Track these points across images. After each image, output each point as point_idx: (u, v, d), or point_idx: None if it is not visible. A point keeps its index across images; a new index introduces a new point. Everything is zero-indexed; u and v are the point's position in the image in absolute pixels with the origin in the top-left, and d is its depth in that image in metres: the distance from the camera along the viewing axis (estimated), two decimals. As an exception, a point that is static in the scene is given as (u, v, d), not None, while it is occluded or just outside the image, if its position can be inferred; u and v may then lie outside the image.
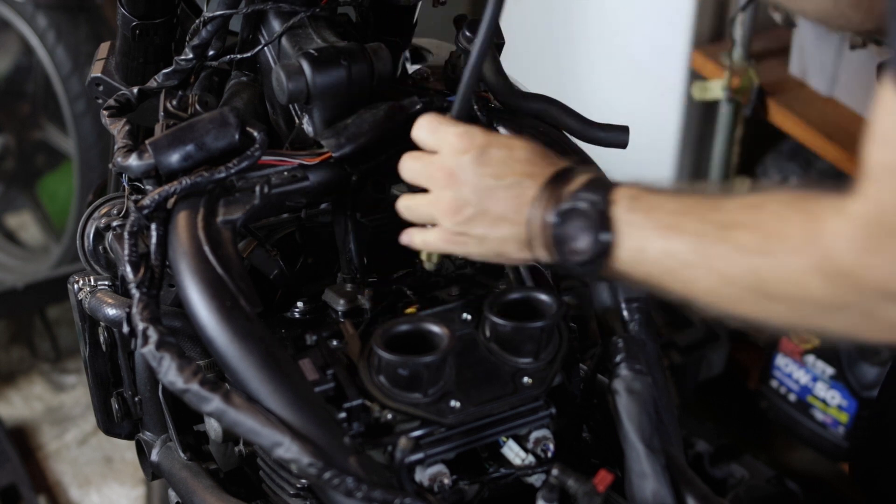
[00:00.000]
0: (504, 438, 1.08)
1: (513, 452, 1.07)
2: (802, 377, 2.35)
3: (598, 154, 1.25)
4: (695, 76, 2.60)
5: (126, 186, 1.16)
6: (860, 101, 2.28)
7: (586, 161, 1.19)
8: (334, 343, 1.10)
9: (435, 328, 1.06)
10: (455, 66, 1.28)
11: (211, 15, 1.24)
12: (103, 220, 1.23)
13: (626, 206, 0.96)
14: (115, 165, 1.14)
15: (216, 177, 1.10)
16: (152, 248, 1.08)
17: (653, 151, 2.77)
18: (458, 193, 1.03)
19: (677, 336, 2.56)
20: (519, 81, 1.28)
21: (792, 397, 2.39)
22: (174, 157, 1.11)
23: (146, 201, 1.09)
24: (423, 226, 1.08)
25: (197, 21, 1.26)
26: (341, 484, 0.95)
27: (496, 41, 1.27)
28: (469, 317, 1.13)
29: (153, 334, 1.00)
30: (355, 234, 1.20)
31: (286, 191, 1.14)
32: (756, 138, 2.67)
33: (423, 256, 1.11)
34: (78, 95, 2.71)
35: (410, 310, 1.15)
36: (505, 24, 1.31)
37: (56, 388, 2.77)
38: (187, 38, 1.26)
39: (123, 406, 1.34)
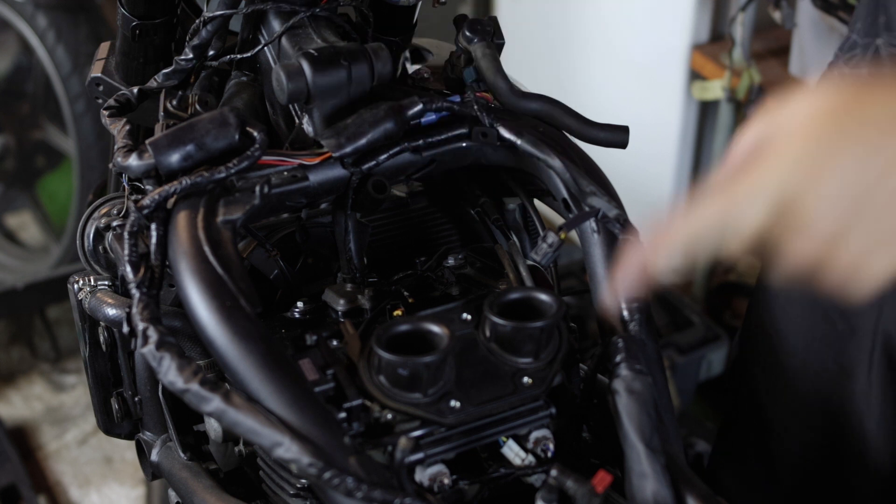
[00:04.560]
0: (504, 438, 1.08)
1: (513, 452, 1.07)
2: (802, 377, 2.35)
3: (599, 154, 1.25)
4: (695, 76, 2.60)
5: (126, 186, 1.16)
6: (860, 101, 2.28)
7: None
8: (334, 343, 1.10)
9: (435, 328, 1.06)
10: (455, 66, 1.28)
11: (211, 15, 1.24)
12: (103, 220, 1.23)
13: None
14: (115, 165, 1.14)
15: (216, 177, 1.10)
16: (152, 248, 1.08)
17: (653, 151, 2.77)
18: None
19: (677, 336, 2.56)
20: (519, 81, 1.28)
21: (792, 397, 2.39)
22: (174, 157, 1.11)
23: (146, 201, 1.09)
24: None
25: (197, 21, 1.26)
26: (341, 484, 0.95)
27: (496, 41, 1.27)
28: (469, 317, 1.13)
29: (153, 334, 1.00)
30: (355, 234, 1.20)
31: (286, 191, 1.14)
32: (756, 138, 2.67)
33: None
34: (78, 95, 2.72)
35: (398, 312, 1.15)
36: (505, 24, 1.31)
37: (56, 388, 2.77)
38: (187, 38, 1.26)
39: (123, 406, 1.34)
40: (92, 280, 1.29)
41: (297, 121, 1.23)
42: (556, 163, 1.17)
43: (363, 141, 1.15)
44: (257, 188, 1.10)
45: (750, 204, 0.80)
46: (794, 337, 1.34)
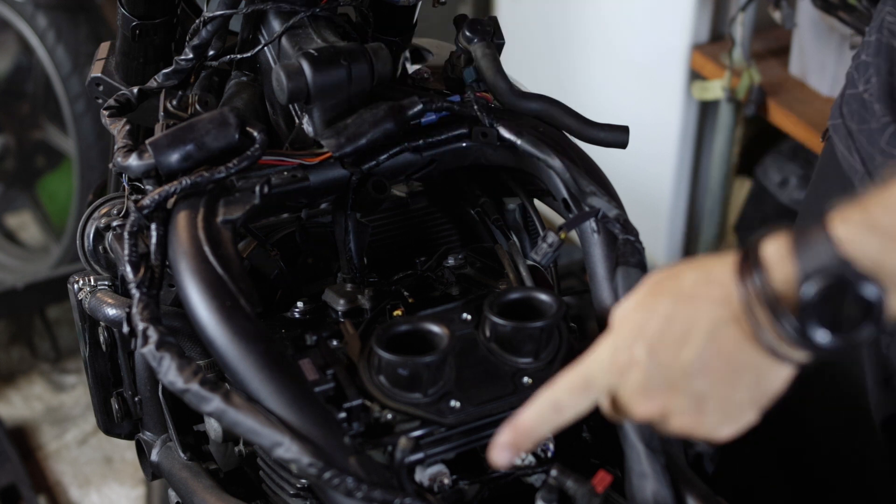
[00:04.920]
0: (504, 438, 1.08)
1: (513, 452, 1.07)
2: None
3: (599, 154, 1.25)
4: (695, 76, 2.60)
5: (126, 186, 1.16)
6: (860, 101, 2.28)
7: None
8: (334, 343, 1.10)
9: (435, 328, 1.06)
10: (455, 66, 1.28)
11: (211, 15, 1.24)
12: (103, 220, 1.23)
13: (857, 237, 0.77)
14: (115, 165, 1.14)
15: (216, 177, 1.10)
16: (152, 248, 1.08)
17: (653, 151, 2.77)
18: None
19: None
20: (519, 81, 1.28)
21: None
22: (174, 157, 1.11)
23: (146, 201, 1.09)
24: None
25: (197, 21, 1.26)
26: (341, 484, 0.95)
27: (496, 41, 1.27)
28: (469, 317, 1.13)
29: (153, 334, 1.00)
30: (355, 234, 1.20)
31: (286, 191, 1.14)
32: (756, 138, 2.67)
33: None
34: (78, 95, 2.72)
35: (397, 312, 1.15)
36: (505, 23, 1.31)
37: (56, 388, 2.77)
38: (187, 38, 1.26)
39: (123, 406, 1.34)
40: (92, 280, 1.29)
41: (297, 121, 1.23)
42: (556, 163, 1.17)
43: (363, 141, 1.15)
44: (257, 188, 1.10)
45: (574, 402, 0.89)
46: None
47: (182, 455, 1.24)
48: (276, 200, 1.14)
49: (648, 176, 2.80)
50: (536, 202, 1.30)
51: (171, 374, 0.99)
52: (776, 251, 0.79)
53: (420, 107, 1.18)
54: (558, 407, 0.89)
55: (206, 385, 0.98)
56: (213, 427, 1.16)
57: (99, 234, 1.24)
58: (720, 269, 0.83)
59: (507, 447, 0.91)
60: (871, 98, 1.22)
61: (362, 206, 1.20)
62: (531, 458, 1.07)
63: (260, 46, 1.25)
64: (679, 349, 0.83)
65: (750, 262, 0.80)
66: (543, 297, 1.10)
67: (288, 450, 0.96)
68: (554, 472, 1.00)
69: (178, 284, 1.05)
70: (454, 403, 1.04)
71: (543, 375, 1.08)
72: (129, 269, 1.06)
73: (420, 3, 1.31)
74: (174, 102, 1.26)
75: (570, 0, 2.87)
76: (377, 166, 1.18)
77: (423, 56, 1.42)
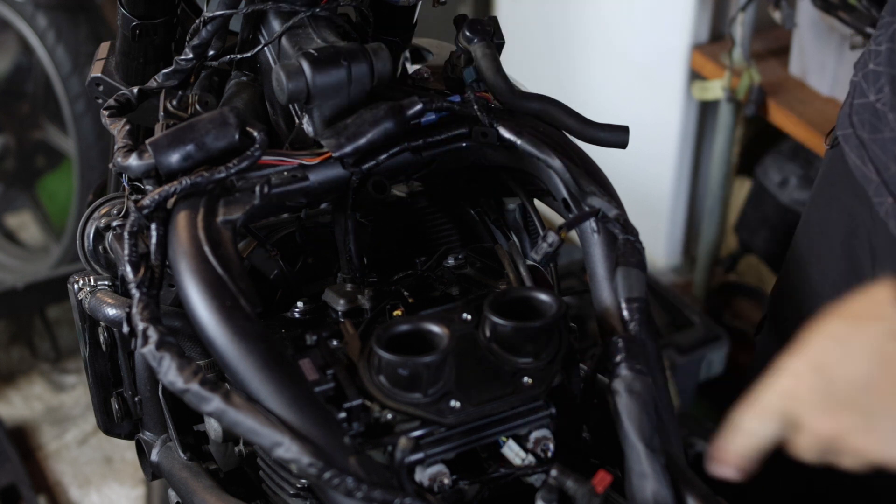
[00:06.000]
0: (504, 438, 1.08)
1: (513, 452, 1.07)
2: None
3: (599, 154, 1.25)
4: (695, 76, 2.60)
5: (126, 186, 1.16)
6: (860, 101, 2.28)
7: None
8: (334, 343, 1.10)
9: (435, 328, 1.06)
10: (455, 66, 1.28)
11: (211, 15, 1.24)
12: (103, 220, 1.24)
13: None
14: (115, 165, 1.14)
15: (216, 177, 1.10)
16: (152, 248, 1.08)
17: (653, 151, 2.77)
18: None
19: (677, 336, 2.56)
20: (519, 81, 1.28)
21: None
22: (174, 157, 1.11)
23: (146, 201, 1.09)
24: None
25: (197, 21, 1.26)
26: (341, 484, 0.95)
27: (496, 41, 1.27)
28: (469, 317, 1.13)
29: (153, 334, 1.00)
30: (355, 234, 1.20)
31: (286, 191, 1.14)
32: (756, 138, 2.67)
33: None
34: (78, 95, 2.72)
35: (397, 312, 1.15)
36: (505, 23, 1.31)
37: (56, 388, 2.77)
38: (187, 38, 1.26)
39: (123, 406, 1.34)
40: (92, 280, 1.29)
41: (297, 121, 1.23)
42: (556, 163, 1.17)
43: (363, 141, 1.15)
44: (257, 188, 1.10)
45: (757, 428, 0.91)
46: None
47: (182, 455, 1.24)
48: (276, 200, 1.14)
49: (648, 176, 2.81)
50: (536, 202, 1.30)
51: (171, 374, 0.99)
52: None
53: (420, 107, 1.18)
54: (742, 430, 0.91)
55: (206, 385, 0.98)
56: (213, 427, 1.16)
57: (99, 234, 1.24)
58: (882, 292, 0.86)
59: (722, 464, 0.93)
60: (884, 108, 1.22)
61: (362, 206, 1.20)
62: (531, 458, 1.07)
63: (260, 46, 1.25)
64: (846, 366, 0.86)
65: None
66: (543, 297, 1.10)
67: (288, 450, 0.96)
68: (554, 472, 1.00)
69: (178, 284, 1.05)
70: (454, 403, 1.04)
71: (543, 375, 1.08)
72: (129, 269, 1.06)
73: (420, 3, 1.31)
74: (174, 102, 1.26)
75: (570, 0, 2.87)
76: (377, 166, 1.18)
77: (423, 56, 1.42)
